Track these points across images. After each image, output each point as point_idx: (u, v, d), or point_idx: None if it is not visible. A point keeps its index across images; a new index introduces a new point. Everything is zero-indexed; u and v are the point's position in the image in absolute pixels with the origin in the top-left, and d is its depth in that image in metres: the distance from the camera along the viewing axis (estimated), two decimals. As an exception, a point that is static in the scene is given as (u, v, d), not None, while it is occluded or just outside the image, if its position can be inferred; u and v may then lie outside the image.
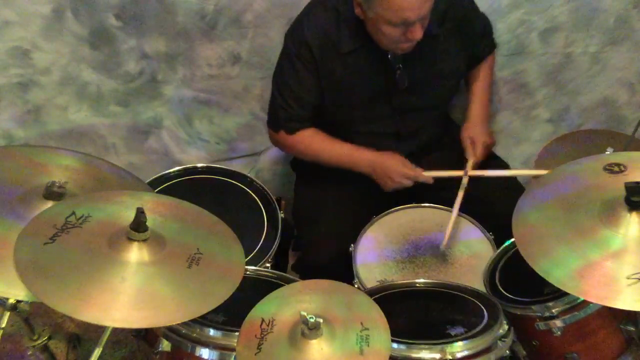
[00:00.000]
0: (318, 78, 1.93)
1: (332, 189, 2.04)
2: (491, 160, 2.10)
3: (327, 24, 1.89)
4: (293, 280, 1.68)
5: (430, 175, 1.95)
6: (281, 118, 2.00)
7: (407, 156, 2.00)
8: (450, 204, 1.95)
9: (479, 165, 2.02)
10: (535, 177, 1.93)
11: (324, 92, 1.95)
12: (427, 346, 1.45)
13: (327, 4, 1.91)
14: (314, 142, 2.02)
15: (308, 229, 2.01)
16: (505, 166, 2.14)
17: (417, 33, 1.76)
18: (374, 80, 1.94)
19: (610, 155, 1.56)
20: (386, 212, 1.98)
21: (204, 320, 1.48)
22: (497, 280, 1.70)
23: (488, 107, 2.19)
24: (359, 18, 1.84)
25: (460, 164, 2.00)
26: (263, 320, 1.36)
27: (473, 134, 2.05)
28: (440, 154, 2.10)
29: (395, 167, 1.95)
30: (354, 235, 1.90)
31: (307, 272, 1.96)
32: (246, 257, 1.66)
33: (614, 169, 1.48)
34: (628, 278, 1.26)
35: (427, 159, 2.06)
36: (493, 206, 1.94)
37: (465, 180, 1.94)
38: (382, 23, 1.75)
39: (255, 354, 1.30)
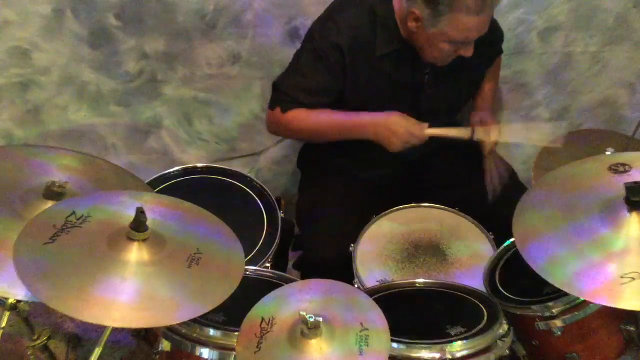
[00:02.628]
0: (342, 82, 1.89)
1: (335, 188, 2.04)
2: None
3: (362, 25, 1.85)
4: (293, 280, 1.68)
5: (432, 132, 1.90)
6: (281, 98, 1.94)
7: (420, 158, 2.00)
8: (450, 204, 1.97)
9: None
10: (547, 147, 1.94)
11: (346, 95, 1.92)
12: (427, 346, 1.45)
13: (363, 4, 1.87)
14: (309, 116, 1.92)
15: (310, 228, 2.01)
16: (507, 166, 2.13)
17: (470, 51, 1.78)
18: (402, 83, 1.93)
19: (614, 156, 1.56)
20: (386, 212, 1.98)
21: (204, 320, 1.48)
22: (497, 280, 1.70)
23: (494, 105, 2.19)
24: (396, 22, 1.84)
25: (466, 165, 1.99)
26: (263, 319, 1.36)
27: (482, 117, 2.04)
28: (448, 157, 2.11)
29: (399, 124, 1.87)
30: (354, 235, 1.90)
31: (308, 270, 1.96)
32: (246, 257, 1.66)
33: (619, 169, 1.48)
34: (622, 277, 1.26)
35: (437, 161, 2.08)
36: (493, 206, 1.94)
37: (488, 149, 1.94)
38: (441, 40, 1.75)
39: (254, 353, 1.30)
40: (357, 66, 1.88)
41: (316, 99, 1.93)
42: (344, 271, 1.81)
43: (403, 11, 1.81)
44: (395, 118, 1.88)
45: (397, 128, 1.87)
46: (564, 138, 1.91)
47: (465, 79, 2.00)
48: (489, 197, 1.97)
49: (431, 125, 1.90)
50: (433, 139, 1.91)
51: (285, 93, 1.94)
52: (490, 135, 1.96)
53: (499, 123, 2.11)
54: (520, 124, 2.13)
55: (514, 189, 1.98)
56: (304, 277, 1.99)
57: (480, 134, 1.95)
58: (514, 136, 2.03)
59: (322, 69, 1.88)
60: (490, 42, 2.02)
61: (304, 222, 2.08)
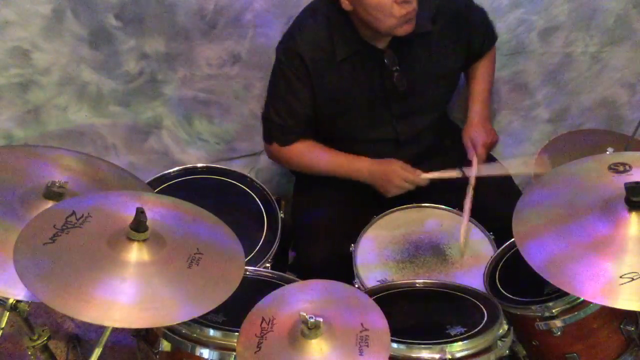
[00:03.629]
0: (312, 90, 1.91)
1: (332, 189, 2.03)
2: (489, 161, 2.10)
3: (319, 33, 1.87)
4: (293, 280, 1.68)
5: (427, 177, 1.95)
6: (274, 131, 1.99)
7: (408, 162, 1.98)
8: (450, 204, 1.96)
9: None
10: (536, 175, 1.94)
11: (318, 103, 1.94)
12: (427, 346, 1.45)
13: (317, 14, 1.89)
14: (309, 154, 2.00)
15: (307, 230, 2.01)
16: (502, 168, 2.13)
17: None
18: (372, 86, 1.93)
19: (614, 156, 1.56)
20: (386, 212, 1.98)
21: (204, 320, 1.48)
22: (497, 280, 1.70)
23: (489, 106, 2.17)
24: (352, 24, 1.84)
25: (462, 166, 1.99)
26: (263, 319, 1.36)
27: (473, 135, 2.04)
28: (442, 158, 2.07)
29: (395, 172, 1.94)
30: (354, 235, 1.90)
31: (305, 272, 1.96)
32: (246, 257, 1.66)
33: (619, 168, 1.48)
34: (621, 277, 1.26)
35: (428, 163, 2.04)
36: (493, 207, 1.94)
37: (470, 190, 1.93)
38: None
39: (255, 353, 1.30)
40: (322, 74, 1.89)
41: (304, 117, 1.95)
42: (342, 271, 1.81)
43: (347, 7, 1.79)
44: (392, 166, 1.94)
45: (392, 176, 1.93)
46: (550, 164, 1.94)
47: (439, 73, 1.97)
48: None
49: (425, 170, 1.95)
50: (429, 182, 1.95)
51: (276, 124, 1.97)
52: (479, 171, 1.99)
53: (494, 133, 2.09)
54: (506, 162, 2.14)
55: (508, 192, 1.98)
56: (300, 278, 1.98)
57: (469, 172, 1.98)
58: (501, 171, 2.04)
59: (297, 84, 1.91)
60: (465, 28, 1.98)
61: (301, 223, 2.07)
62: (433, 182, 1.96)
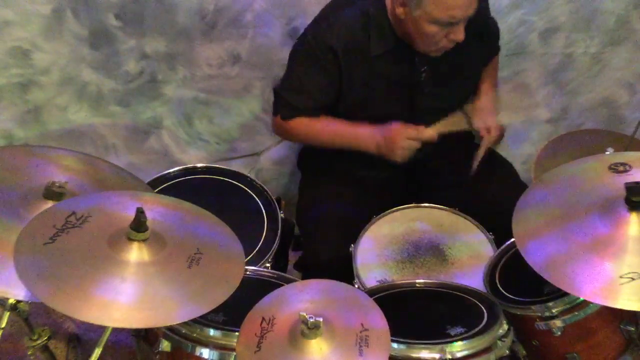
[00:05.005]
0: (338, 82, 1.91)
1: (334, 189, 2.03)
2: (492, 158, 2.10)
3: (355, 26, 1.86)
4: (293, 280, 1.68)
5: (431, 130, 1.91)
6: (281, 103, 1.99)
7: (419, 159, 1.97)
8: (450, 204, 1.97)
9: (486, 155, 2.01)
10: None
11: (343, 93, 1.93)
12: (427, 346, 1.45)
13: (354, 6, 1.88)
14: (311, 125, 1.98)
15: (310, 228, 2.01)
16: (507, 164, 2.14)
17: (460, 34, 1.76)
18: (399, 83, 1.93)
19: (615, 156, 1.56)
20: (386, 212, 1.98)
21: (204, 320, 1.48)
22: (497, 280, 1.70)
23: (495, 103, 2.15)
24: (389, 21, 1.84)
25: (466, 164, 1.99)
26: (263, 319, 1.36)
27: (488, 122, 2.02)
28: (449, 158, 2.08)
29: (397, 131, 1.90)
30: (354, 235, 1.90)
31: (309, 270, 1.96)
32: (246, 257, 1.66)
33: (619, 168, 1.48)
34: (621, 277, 1.26)
35: (437, 162, 2.07)
36: (493, 206, 1.94)
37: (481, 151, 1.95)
38: (426, 22, 1.73)
39: (254, 353, 1.30)
40: (353, 67, 1.89)
41: (315, 102, 1.95)
42: (344, 271, 1.81)
43: (393, 5, 1.80)
44: (393, 127, 1.90)
45: (395, 137, 1.88)
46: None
47: (462, 77, 2.00)
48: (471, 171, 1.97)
49: (427, 125, 1.91)
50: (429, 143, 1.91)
51: (284, 99, 1.97)
52: (487, 120, 1.99)
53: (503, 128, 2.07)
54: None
55: (515, 188, 1.97)
56: (304, 277, 1.99)
57: (477, 122, 1.98)
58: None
59: (318, 70, 1.90)
60: (487, 36, 2.03)
61: (304, 222, 2.07)
62: (441, 134, 1.92)
